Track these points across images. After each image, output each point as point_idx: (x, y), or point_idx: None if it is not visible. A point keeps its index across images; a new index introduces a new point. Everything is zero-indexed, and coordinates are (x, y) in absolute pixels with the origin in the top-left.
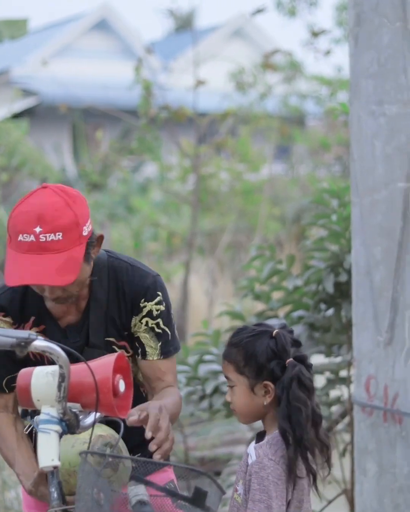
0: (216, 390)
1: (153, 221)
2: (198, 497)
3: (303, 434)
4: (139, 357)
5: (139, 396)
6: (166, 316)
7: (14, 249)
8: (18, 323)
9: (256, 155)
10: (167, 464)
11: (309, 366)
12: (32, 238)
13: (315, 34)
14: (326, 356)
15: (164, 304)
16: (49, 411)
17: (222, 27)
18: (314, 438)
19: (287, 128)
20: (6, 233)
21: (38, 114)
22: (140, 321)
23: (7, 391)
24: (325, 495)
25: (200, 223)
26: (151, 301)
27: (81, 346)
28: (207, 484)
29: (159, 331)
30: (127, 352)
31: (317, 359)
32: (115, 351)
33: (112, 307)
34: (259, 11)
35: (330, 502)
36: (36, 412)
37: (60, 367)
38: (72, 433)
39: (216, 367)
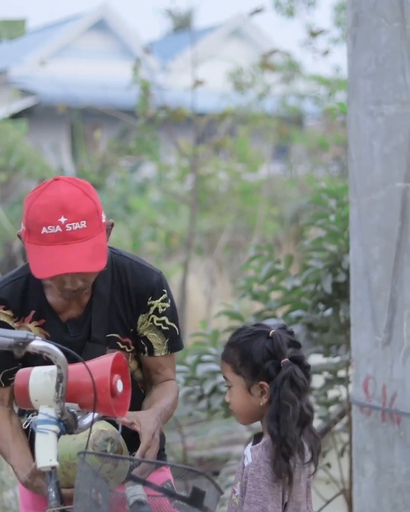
0: (214, 390)
1: (151, 221)
2: (196, 497)
3: (287, 433)
4: (146, 354)
5: (138, 392)
6: (171, 312)
7: (38, 242)
8: (18, 316)
9: (254, 155)
10: (165, 464)
11: (306, 367)
12: (58, 228)
13: (313, 34)
14: (324, 356)
15: (169, 301)
16: (47, 411)
17: (220, 27)
18: (298, 438)
19: (285, 128)
20: (7, 232)
21: (36, 114)
22: (148, 319)
23: (3, 385)
24: (324, 495)
25: (198, 223)
26: (158, 298)
27: (81, 340)
28: (205, 484)
29: (166, 328)
30: (129, 348)
31: (315, 359)
32: (119, 347)
33: (116, 303)
34: (257, 11)
35: (328, 502)
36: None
37: (58, 367)
38: (70, 433)
39: (214, 367)
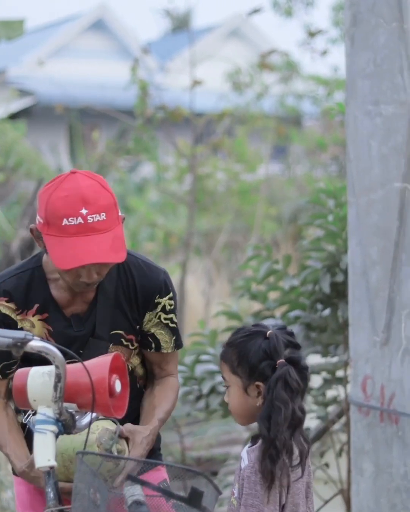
0: (213, 390)
1: (150, 221)
2: (194, 497)
3: (277, 434)
4: (152, 350)
5: (137, 389)
6: (175, 310)
7: (58, 234)
8: (21, 309)
9: (252, 155)
10: (163, 464)
11: (303, 368)
12: (80, 220)
13: (312, 34)
14: (322, 356)
15: (174, 299)
16: (45, 411)
17: (218, 27)
18: (288, 440)
19: (284, 128)
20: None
21: (34, 114)
22: (155, 316)
23: (1, 377)
24: (322, 495)
25: (197, 223)
26: (165, 296)
27: (84, 336)
28: (203, 484)
29: (173, 325)
30: (133, 345)
31: (313, 359)
32: (122, 344)
33: (121, 300)
34: (256, 11)
35: (326, 502)
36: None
37: (57, 367)
38: (68, 433)
39: (213, 367)
